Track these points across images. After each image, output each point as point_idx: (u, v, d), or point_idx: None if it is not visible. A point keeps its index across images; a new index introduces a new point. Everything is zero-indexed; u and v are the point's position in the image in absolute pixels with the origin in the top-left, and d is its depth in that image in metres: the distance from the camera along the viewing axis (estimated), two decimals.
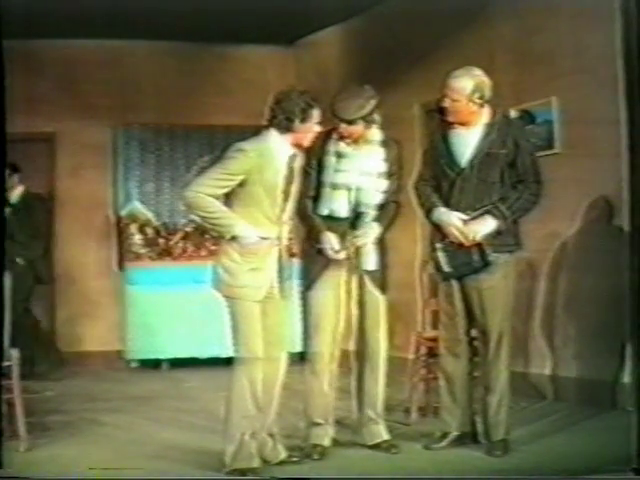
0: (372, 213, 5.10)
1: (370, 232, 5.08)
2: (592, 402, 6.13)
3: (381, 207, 5.13)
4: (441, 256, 5.07)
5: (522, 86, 6.86)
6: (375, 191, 5.10)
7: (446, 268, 5.07)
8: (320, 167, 5.09)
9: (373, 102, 5.01)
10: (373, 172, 5.10)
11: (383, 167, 5.13)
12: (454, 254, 5.04)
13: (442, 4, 7.39)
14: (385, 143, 5.15)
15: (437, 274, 5.20)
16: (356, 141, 5.08)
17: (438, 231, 5.12)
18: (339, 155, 5.08)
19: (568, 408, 6.19)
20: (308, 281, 5.13)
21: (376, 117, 5.06)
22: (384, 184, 5.13)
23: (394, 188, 5.17)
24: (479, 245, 5.00)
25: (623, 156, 5.67)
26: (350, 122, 4.99)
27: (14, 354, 5.43)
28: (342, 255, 5.03)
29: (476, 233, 4.99)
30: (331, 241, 5.02)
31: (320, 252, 5.04)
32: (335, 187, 5.07)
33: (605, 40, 5.98)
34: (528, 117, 6.77)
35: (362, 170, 5.08)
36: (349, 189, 5.07)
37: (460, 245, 5.01)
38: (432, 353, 5.92)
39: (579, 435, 5.45)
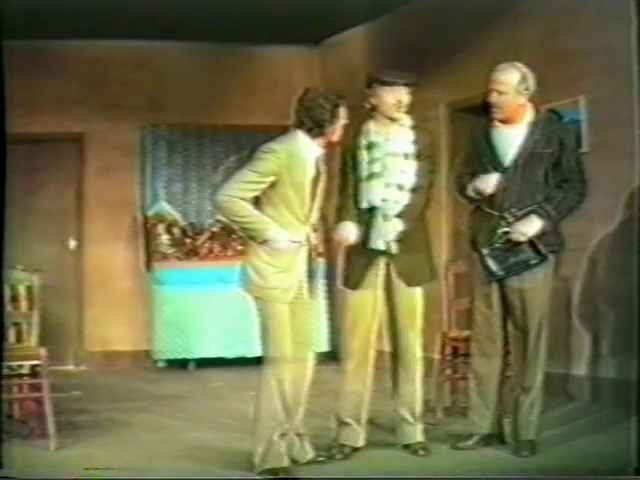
0: (406, 196, 5.05)
1: (403, 218, 5.02)
2: (627, 404, 6.08)
3: (413, 190, 5.08)
4: (490, 261, 5.02)
5: (549, 85, 6.79)
6: (404, 173, 5.05)
7: (498, 272, 5.02)
8: (355, 162, 5.07)
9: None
10: (402, 154, 5.05)
11: (413, 149, 5.08)
12: (504, 256, 5.00)
13: (468, 3, 7.37)
14: (415, 127, 5.12)
15: (488, 276, 5.08)
16: (391, 123, 5.06)
17: (479, 232, 5.09)
18: (370, 146, 5.06)
19: (602, 409, 6.14)
20: (347, 281, 5.12)
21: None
22: (415, 166, 5.08)
23: (426, 171, 5.12)
24: (530, 242, 4.98)
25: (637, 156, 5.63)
26: (412, 85, 5.03)
27: (42, 353, 5.47)
28: (394, 249, 5.01)
29: (523, 234, 4.97)
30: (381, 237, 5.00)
31: (365, 247, 5.01)
32: (371, 177, 5.05)
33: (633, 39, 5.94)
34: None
35: (394, 153, 5.05)
36: (385, 176, 5.04)
37: (510, 246, 4.99)
38: (458, 353, 5.92)
39: (612, 437, 5.40)
